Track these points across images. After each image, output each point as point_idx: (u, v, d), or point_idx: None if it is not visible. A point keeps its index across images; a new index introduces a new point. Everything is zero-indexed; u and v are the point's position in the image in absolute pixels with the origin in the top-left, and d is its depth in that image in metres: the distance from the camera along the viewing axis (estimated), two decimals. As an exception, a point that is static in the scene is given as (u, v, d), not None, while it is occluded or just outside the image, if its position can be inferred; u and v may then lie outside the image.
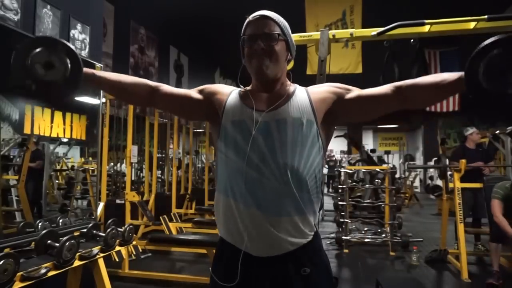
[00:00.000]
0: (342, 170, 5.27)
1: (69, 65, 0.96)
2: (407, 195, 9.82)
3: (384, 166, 6.17)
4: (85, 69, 1.00)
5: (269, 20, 1.02)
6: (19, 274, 1.58)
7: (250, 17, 1.04)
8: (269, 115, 1.00)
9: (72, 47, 1.00)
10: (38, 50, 0.95)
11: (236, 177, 0.98)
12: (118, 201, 4.40)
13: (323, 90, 1.08)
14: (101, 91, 2.71)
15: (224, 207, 1.02)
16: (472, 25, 2.52)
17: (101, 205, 3.42)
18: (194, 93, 1.14)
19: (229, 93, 1.11)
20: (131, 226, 2.38)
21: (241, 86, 1.12)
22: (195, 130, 7.42)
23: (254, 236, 0.97)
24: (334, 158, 14.14)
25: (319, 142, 1.02)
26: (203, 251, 3.75)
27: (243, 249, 0.99)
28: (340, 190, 5.07)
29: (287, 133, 0.98)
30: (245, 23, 1.05)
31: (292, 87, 1.09)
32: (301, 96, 1.05)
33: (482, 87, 0.83)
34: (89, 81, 1.03)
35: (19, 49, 0.96)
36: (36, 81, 0.95)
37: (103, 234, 2.16)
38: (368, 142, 16.04)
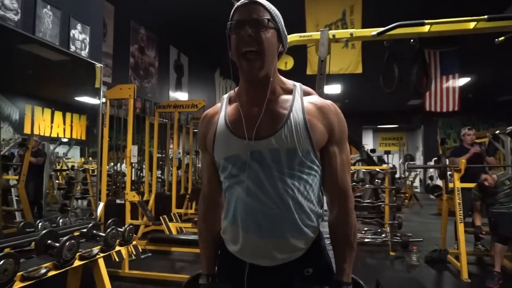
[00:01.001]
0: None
1: None
2: (407, 195, 9.81)
3: (384, 166, 6.16)
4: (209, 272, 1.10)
5: (258, 5, 0.93)
6: (19, 274, 1.58)
7: (238, 3, 0.94)
8: (261, 144, 0.94)
9: None
10: None
11: (239, 208, 0.98)
12: (118, 201, 4.40)
13: (320, 118, 0.97)
14: (101, 92, 2.72)
15: (229, 233, 1.03)
16: (472, 25, 2.52)
17: (101, 205, 3.41)
18: (206, 156, 1.08)
19: (216, 123, 1.02)
20: (131, 226, 2.38)
21: (234, 83, 1.10)
22: (195, 130, 7.41)
23: (258, 256, 0.98)
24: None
25: (315, 165, 0.98)
26: (203, 251, 3.74)
27: (247, 261, 1.00)
28: (340, 190, 5.06)
29: (282, 163, 0.93)
30: (233, 10, 0.96)
31: (287, 96, 0.99)
32: (297, 119, 0.94)
33: None
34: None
35: None
36: None
37: (103, 234, 2.16)
38: (368, 142, 16.02)
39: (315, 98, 1.01)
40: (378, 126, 16.62)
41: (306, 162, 0.95)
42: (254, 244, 0.97)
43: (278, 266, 0.98)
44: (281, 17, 0.98)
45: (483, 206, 3.88)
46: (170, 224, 4.83)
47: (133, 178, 5.39)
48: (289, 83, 1.04)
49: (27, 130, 2.13)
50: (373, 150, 11.74)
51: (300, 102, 0.98)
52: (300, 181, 0.96)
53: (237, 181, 0.97)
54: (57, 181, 2.95)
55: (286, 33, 1.01)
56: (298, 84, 1.04)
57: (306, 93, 1.03)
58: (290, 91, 1.01)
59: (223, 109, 1.05)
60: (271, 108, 0.97)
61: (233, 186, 0.99)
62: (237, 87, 1.05)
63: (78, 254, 1.90)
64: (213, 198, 1.11)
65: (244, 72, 0.94)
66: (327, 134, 0.97)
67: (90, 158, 3.55)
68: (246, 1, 0.93)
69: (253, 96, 0.99)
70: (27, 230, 2.04)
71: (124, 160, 4.54)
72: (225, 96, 1.09)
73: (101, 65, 2.70)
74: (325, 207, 1.07)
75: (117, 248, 2.24)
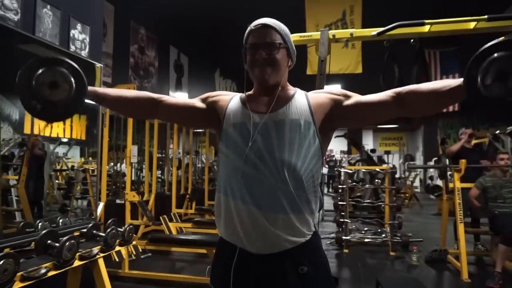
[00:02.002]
0: (342, 170, 5.27)
1: (74, 84, 0.98)
2: (407, 195, 9.82)
3: (384, 166, 6.17)
4: (88, 87, 1.03)
5: (271, 29, 1.04)
6: (19, 274, 1.58)
7: (252, 26, 1.06)
8: (268, 117, 1.03)
9: (77, 66, 1.00)
10: (43, 70, 0.96)
11: (234, 176, 1.00)
12: (118, 201, 4.40)
13: (322, 95, 1.09)
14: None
15: (223, 206, 1.04)
16: (472, 25, 2.52)
17: (101, 205, 3.41)
18: (197, 102, 1.16)
19: (230, 99, 1.13)
20: (131, 226, 2.38)
21: (245, 91, 1.14)
22: (195, 130, 7.42)
23: (251, 232, 0.98)
24: (334, 158, 14.14)
25: (316, 143, 1.02)
26: (203, 251, 3.75)
27: (239, 246, 1.00)
28: (340, 190, 5.07)
29: (284, 133, 1.00)
30: (246, 31, 1.07)
31: (292, 91, 1.11)
32: (300, 99, 1.07)
33: (482, 94, 0.80)
34: (91, 98, 1.06)
35: (23, 70, 0.97)
36: (41, 101, 0.97)
37: (103, 234, 2.16)
38: (368, 142, 16.03)
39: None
40: (378, 126, 16.62)
41: (308, 136, 1.00)
42: (248, 215, 0.97)
43: (270, 256, 0.98)
44: (290, 35, 1.10)
45: (481, 200, 3.89)
46: (170, 224, 4.83)
47: (133, 178, 5.40)
48: (292, 88, 1.15)
49: (27, 130, 2.13)
50: (373, 150, 11.75)
51: (302, 92, 1.12)
52: (299, 155, 0.99)
53: (237, 149, 1.02)
54: (57, 181, 2.95)
55: (294, 48, 1.13)
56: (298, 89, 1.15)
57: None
58: (293, 90, 1.12)
59: (236, 96, 1.15)
60: (279, 95, 1.08)
61: (231, 155, 1.03)
62: (248, 92, 1.14)
63: (78, 254, 1.90)
64: (157, 101, 1.12)
65: (256, 78, 1.07)
66: (330, 104, 1.06)
67: (90, 158, 3.55)
68: (260, 25, 1.05)
69: (264, 94, 1.09)
70: (27, 230, 2.04)
71: (124, 160, 4.54)
72: (236, 94, 1.18)
73: (101, 65, 2.70)
74: (325, 207, 1.07)
75: (117, 248, 2.24)
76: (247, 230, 0.98)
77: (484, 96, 0.80)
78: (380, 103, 1.03)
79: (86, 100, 1.04)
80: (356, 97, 1.07)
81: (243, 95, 1.13)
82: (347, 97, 1.07)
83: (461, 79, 0.87)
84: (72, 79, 0.98)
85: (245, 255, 1.00)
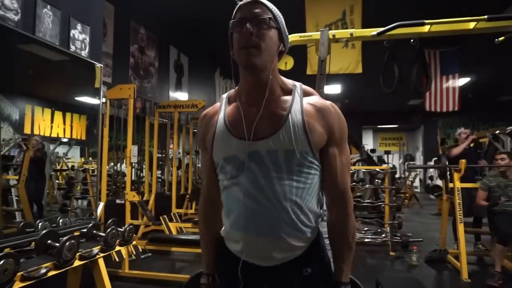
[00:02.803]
0: (342, 170, 5.26)
1: None
2: (407, 195, 9.81)
3: (384, 166, 6.16)
4: (210, 271, 1.10)
5: (261, 4, 0.95)
6: (19, 274, 1.58)
7: (241, 2, 0.97)
8: (259, 145, 0.94)
9: None
10: None
11: (236, 208, 0.98)
12: (118, 201, 4.40)
13: (319, 120, 0.96)
14: (101, 92, 2.72)
15: (229, 233, 1.03)
16: (472, 25, 2.52)
17: (101, 205, 3.41)
18: (205, 155, 1.09)
19: (215, 122, 1.03)
20: (131, 226, 2.38)
21: (234, 83, 1.07)
22: (195, 130, 7.41)
23: (257, 256, 0.98)
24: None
25: (314, 165, 0.98)
26: (203, 251, 3.74)
27: (243, 257, 1.00)
28: (340, 190, 5.06)
29: (280, 164, 0.93)
30: (236, 9, 0.98)
31: (287, 97, 0.99)
32: (296, 121, 0.94)
33: None
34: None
35: None
36: None
37: (103, 234, 2.16)
38: (368, 142, 16.02)
39: (315, 99, 1.01)
40: (378, 126, 16.61)
41: (305, 163, 0.95)
42: (254, 245, 0.97)
43: (276, 266, 0.97)
44: (282, 18, 1.00)
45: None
46: (170, 224, 4.83)
47: (133, 178, 5.39)
48: (289, 83, 1.04)
49: (27, 130, 2.13)
50: (373, 150, 11.74)
51: (299, 103, 0.98)
52: (299, 182, 0.95)
53: (235, 182, 0.97)
54: (57, 181, 2.96)
55: (287, 33, 1.03)
56: (298, 84, 1.04)
57: (306, 93, 1.02)
58: (290, 92, 1.01)
59: (222, 108, 1.05)
60: (270, 108, 0.97)
61: (231, 187, 0.99)
62: (237, 87, 1.05)
63: (78, 254, 1.90)
64: (212, 198, 1.11)
65: (243, 61, 0.94)
66: (326, 136, 0.97)
67: (90, 158, 3.55)
68: (249, 0, 0.95)
69: (252, 95, 0.99)
70: (27, 230, 2.04)
71: (124, 160, 4.54)
72: (224, 95, 1.09)
73: (101, 65, 2.70)
74: (324, 207, 1.07)
75: (117, 248, 2.24)
76: (253, 255, 0.98)
77: None
78: (330, 184, 1.01)
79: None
80: (335, 149, 0.99)
81: (228, 109, 1.03)
82: (333, 139, 0.98)
83: (345, 273, 1.02)
84: None
85: (249, 265, 0.99)
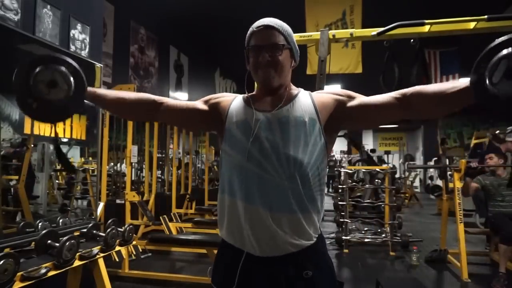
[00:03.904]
0: (342, 170, 5.27)
1: (73, 84, 0.95)
2: (407, 195, 9.81)
3: (384, 166, 6.16)
4: (88, 88, 1.01)
5: (273, 30, 1.02)
6: (19, 274, 1.58)
7: (254, 27, 1.04)
8: (271, 115, 1.01)
9: (77, 66, 0.97)
10: (42, 68, 0.93)
11: (238, 174, 0.98)
12: (118, 201, 4.40)
13: (326, 95, 1.07)
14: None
15: (226, 207, 1.01)
16: (472, 25, 2.52)
17: (101, 205, 3.41)
18: (199, 104, 1.14)
19: (232, 99, 1.12)
20: (131, 226, 2.38)
21: (247, 92, 1.12)
22: (196, 131, 7.41)
23: (256, 233, 0.96)
24: (334, 158, 14.13)
25: (322, 141, 1.00)
26: (203, 251, 3.75)
27: (245, 250, 0.98)
28: (340, 190, 5.06)
29: (289, 131, 0.98)
30: (248, 33, 1.05)
31: (296, 90, 1.09)
32: (304, 98, 1.05)
33: (491, 93, 0.76)
34: (90, 99, 1.04)
35: (21, 67, 0.94)
36: (38, 100, 0.93)
37: (103, 234, 2.15)
38: (368, 142, 16.02)
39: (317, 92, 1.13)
40: (378, 126, 16.62)
41: (312, 134, 0.99)
42: (253, 215, 0.95)
43: (274, 259, 0.96)
44: (293, 35, 1.07)
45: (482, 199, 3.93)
46: (170, 224, 4.83)
47: (133, 178, 5.39)
48: (295, 88, 1.13)
49: (27, 130, 2.13)
50: (373, 150, 11.74)
51: (306, 92, 1.11)
52: (305, 154, 0.97)
53: (240, 148, 0.99)
54: (57, 181, 2.95)
55: (297, 47, 1.10)
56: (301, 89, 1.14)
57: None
58: (296, 90, 1.11)
59: (239, 96, 1.13)
60: (282, 95, 1.06)
61: (234, 155, 1.00)
62: (251, 93, 1.12)
63: (78, 254, 1.90)
64: (157, 103, 1.12)
65: (260, 81, 1.06)
66: (334, 104, 1.04)
67: (90, 158, 3.55)
68: (262, 26, 1.02)
69: (268, 94, 1.07)
70: (27, 230, 2.04)
71: (124, 160, 4.54)
72: (238, 95, 1.16)
73: (101, 65, 2.70)
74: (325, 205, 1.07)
75: (117, 248, 2.24)
76: (252, 230, 0.96)
77: (493, 95, 0.76)
78: (384, 105, 1.00)
79: (85, 101, 1.02)
80: (360, 98, 1.05)
81: (245, 95, 1.11)
82: (351, 98, 1.05)
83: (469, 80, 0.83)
84: (72, 79, 0.95)
85: (249, 258, 0.98)
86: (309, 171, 0.97)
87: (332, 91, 1.09)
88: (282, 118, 1.00)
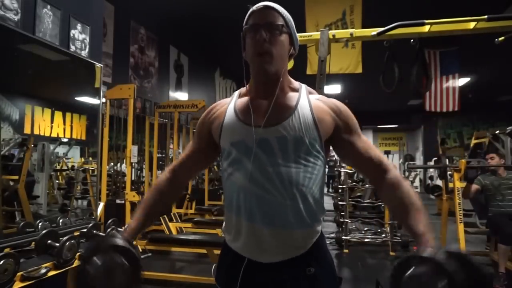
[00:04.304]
0: (342, 170, 5.27)
1: (130, 269, 0.93)
2: (407, 195, 9.79)
3: (384, 166, 6.14)
4: (126, 234, 1.00)
5: (273, 10, 0.99)
6: (19, 274, 1.58)
7: (254, 7, 1.00)
8: (269, 131, 0.96)
9: (135, 252, 0.94)
10: (97, 261, 0.91)
11: (240, 195, 0.97)
12: (118, 201, 4.40)
13: (326, 112, 1.01)
14: (101, 92, 2.72)
15: (233, 224, 1.02)
16: (472, 25, 2.51)
17: (101, 205, 3.41)
18: (194, 145, 1.14)
19: (225, 111, 1.06)
20: (131, 226, 2.38)
21: (245, 85, 1.08)
22: (195, 130, 7.40)
23: (261, 249, 0.97)
24: (334, 158, 14.13)
25: (321, 157, 1.00)
26: (203, 251, 3.75)
27: (247, 256, 0.99)
28: (340, 190, 5.06)
29: (288, 150, 0.95)
30: (248, 13, 1.02)
31: (295, 94, 1.04)
32: (304, 111, 0.99)
33: None
34: (133, 238, 1.04)
35: (81, 267, 0.94)
36: None
37: (103, 234, 2.15)
38: (368, 142, 16.00)
39: (319, 96, 1.07)
40: (378, 126, 16.61)
41: (313, 152, 0.97)
42: (257, 233, 0.96)
43: (278, 264, 0.97)
44: (293, 22, 1.03)
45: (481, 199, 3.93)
46: (170, 224, 4.83)
47: (133, 178, 5.39)
48: (296, 83, 1.09)
49: (27, 130, 2.13)
50: (373, 150, 11.70)
51: (306, 98, 1.03)
52: (306, 172, 0.96)
53: (240, 167, 0.97)
54: (57, 181, 2.95)
55: (297, 36, 1.06)
56: (303, 85, 1.09)
57: (310, 93, 1.08)
58: (296, 90, 1.06)
59: (232, 101, 1.08)
60: (279, 102, 1.01)
61: (235, 174, 0.99)
62: (248, 85, 1.08)
63: (78, 254, 1.90)
64: (177, 174, 1.14)
65: (256, 67, 1.00)
66: (333, 126, 1.01)
67: (90, 158, 3.54)
68: (262, 6, 0.99)
69: (262, 92, 1.03)
70: (27, 230, 2.04)
71: (124, 160, 4.54)
72: (236, 92, 1.13)
73: (101, 65, 2.70)
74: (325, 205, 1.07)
75: (117, 248, 2.24)
76: (257, 245, 0.97)
77: None
78: (363, 163, 1.03)
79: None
80: (353, 137, 1.02)
81: (238, 101, 1.06)
82: (347, 128, 1.02)
83: (425, 235, 0.83)
84: (127, 262, 0.92)
85: (252, 263, 0.98)
86: (310, 191, 0.97)
87: (332, 106, 1.03)
88: (280, 137, 0.95)
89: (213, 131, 1.07)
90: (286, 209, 0.94)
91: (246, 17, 1.02)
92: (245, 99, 1.06)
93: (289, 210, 0.94)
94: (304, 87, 1.07)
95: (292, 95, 1.03)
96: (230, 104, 1.07)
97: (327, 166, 1.07)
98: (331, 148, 1.08)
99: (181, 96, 8.31)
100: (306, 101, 1.01)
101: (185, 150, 1.18)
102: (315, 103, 1.02)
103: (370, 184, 0.97)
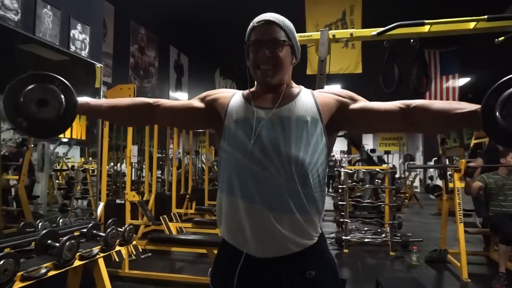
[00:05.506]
0: (342, 170, 5.27)
1: (64, 103, 0.96)
2: (407, 195, 9.81)
3: (384, 166, 6.16)
4: (80, 101, 1.01)
5: (274, 25, 1.00)
6: (19, 274, 1.58)
7: (255, 22, 1.01)
8: (273, 113, 0.99)
9: (68, 84, 0.98)
10: (32, 86, 0.94)
11: (238, 173, 0.96)
12: (118, 201, 4.40)
13: (328, 95, 1.05)
14: (101, 92, 2.72)
15: (226, 206, 1.00)
16: (472, 25, 2.52)
17: (101, 205, 3.41)
18: (195, 102, 1.12)
19: (231, 95, 1.09)
20: (131, 226, 2.38)
21: (248, 88, 1.10)
22: (195, 130, 7.41)
23: (257, 233, 0.94)
24: (334, 158, 14.13)
25: (323, 141, 0.99)
26: (203, 251, 3.75)
27: (245, 250, 0.96)
28: (340, 190, 5.06)
29: (291, 129, 0.96)
30: (249, 28, 1.03)
31: (297, 89, 1.07)
32: (306, 97, 1.03)
33: (500, 125, 0.79)
34: (84, 112, 1.04)
35: (12, 85, 0.94)
36: (28, 119, 0.94)
37: (103, 234, 2.16)
38: (368, 142, 16.02)
39: (320, 90, 1.12)
40: (376, 133, 16.60)
41: (315, 134, 0.98)
42: (255, 214, 0.94)
43: (275, 260, 0.95)
44: (294, 31, 1.05)
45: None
46: (170, 224, 4.83)
47: (133, 178, 5.40)
48: (296, 85, 1.12)
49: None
50: (373, 150, 11.75)
51: (307, 90, 1.09)
52: (306, 154, 0.95)
53: (240, 146, 0.97)
54: (57, 181, 2.96)
55: (298, 44, 1.08)
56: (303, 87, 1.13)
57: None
58: (298, 88, 1.10)
59: (238, 92, 1.12)
60: (283, 92, 1.04)
61: (234, 154, 0.98)
62: (251, 89, 1.09)
63: (78, 254, 1.90)
64: (159, 110, 1.11)
65: (259, 81, 1.04)
66: (336, 104, 1.03)
67: (90, 158, 3.55)
68: (263, 21, 1.00)
69: (267, 96, 1.05)
70: (27, 230, 2.04)
71: (124, 160, 4.54)
72: (239, 91, 1.14)
73: (101, 65, 2.70)
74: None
75: (117, 248, 2.24)
76: (252, 229, 0.94)
77: (502, 128, 0.80)
78: (386, 114, 0.99)
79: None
80: (362, 102, 1.04)
81: (245, 92, 1.08)
82: (354, 100, 1.04)
83: (476, 106, 0.86)
84: (63, 96, 0.96)
85: (249, 261, 0.96)
86: (309, 172, 0.95)
87: (334, 91, 1.07)
88: (283, 117, 0.98)
89: (218, 107, 1.08)
90: (284, 189, 0.93)
91: (248, 31, 1.03)
92: (249, 95, 1.08)
93: (287, 192, 0.93)
94: (303, 87, 1.11)
95: (295, 89, 1.08)
96: (237, 93, 1.11)
97: (327, 166, 1.05)
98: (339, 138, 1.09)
99: (181, 96, 8.31)
100: (307, 91, 1.08)
101: (179, 101, 1.17)
102: (317, 93, 1.08)
103: (408, 129, 0.95)
